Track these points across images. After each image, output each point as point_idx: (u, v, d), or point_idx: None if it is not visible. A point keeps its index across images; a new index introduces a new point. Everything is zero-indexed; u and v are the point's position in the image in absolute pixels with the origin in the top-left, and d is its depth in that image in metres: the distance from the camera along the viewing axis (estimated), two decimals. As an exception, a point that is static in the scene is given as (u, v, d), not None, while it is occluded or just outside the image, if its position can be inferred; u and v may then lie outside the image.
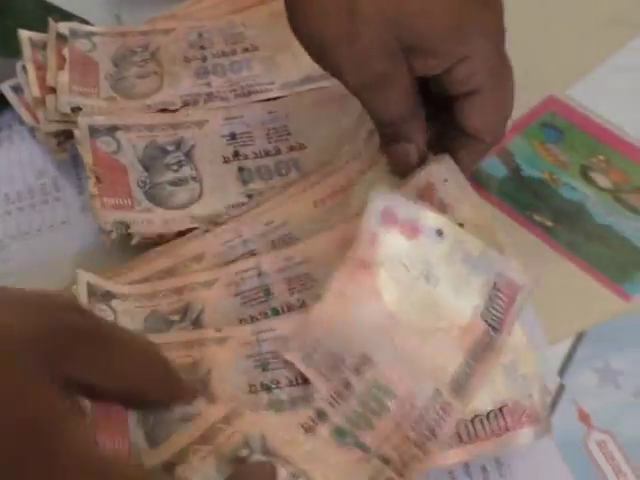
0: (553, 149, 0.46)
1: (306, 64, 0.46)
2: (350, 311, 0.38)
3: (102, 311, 0.39)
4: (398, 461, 0.35)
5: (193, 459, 0.34)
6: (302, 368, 0.37)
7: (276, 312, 0.40)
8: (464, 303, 0.38)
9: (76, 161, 0.48)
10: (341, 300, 0.38)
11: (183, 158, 0.47)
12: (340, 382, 0.37)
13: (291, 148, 0.47)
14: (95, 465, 0.27)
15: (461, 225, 0.40)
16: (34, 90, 0.48)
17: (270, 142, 0.48)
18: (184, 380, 0.34)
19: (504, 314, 0.38)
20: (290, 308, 0.40)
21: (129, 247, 0.43)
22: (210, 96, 0.50)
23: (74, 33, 0.51)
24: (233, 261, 0.42)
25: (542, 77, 0.48)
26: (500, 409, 0.37)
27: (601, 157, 0.46)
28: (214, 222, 0.44)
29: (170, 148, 0.47)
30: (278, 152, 0.47)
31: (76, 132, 0.46)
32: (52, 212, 0.47)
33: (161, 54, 0.52)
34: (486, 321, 0.38)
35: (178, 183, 0.46)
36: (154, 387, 0.32)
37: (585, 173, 0.46)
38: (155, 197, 0.45)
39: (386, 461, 0.35)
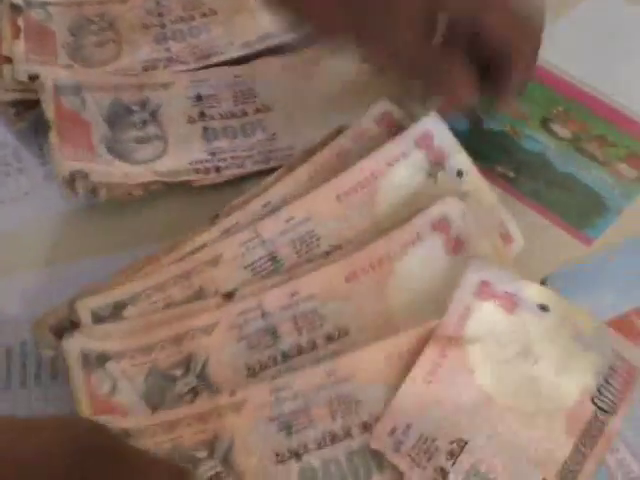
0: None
1: (264, 23, 0.47)
2: (442, 391, 0.36)
3: (100, 379, 0.37)
4: None
5: None
6: (392, 457, 0.35)
7: (285, 356, 0.38)
8: (569, 383, 0.36)
9: (37, 131, 0.48)
10: (432, 379, 0.36)
11: (148, 118, 0.47)
12: (435, 470, 0.34)
13: (257, 110, 0.48)
14: None
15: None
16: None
17: (237, 105, 0.48)
18: None
19: (619, 398, 0.36)
20: (300, 351, 0.38)
21: (97, 212, 0.43)
22: (170, 60, 0.50)
23: (28, 3, 0.51)
24: (254, 270, 0.40)
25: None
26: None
27: (560, 108, 0.47)
28: (175, 178, 0.44)
29: (135, 108, 0.47)
30: (244, 114, 0.48)
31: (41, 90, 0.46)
32: (15, 184, 0.46)
33: (119, 23, 0.52)
34: (595, 404, 0.36)
35: (142, 141, 0.46)
36: None
37: (545, 125, 0.47)
38: (117, 152, 0.45)
39: None
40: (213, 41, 0.51)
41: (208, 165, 0.45)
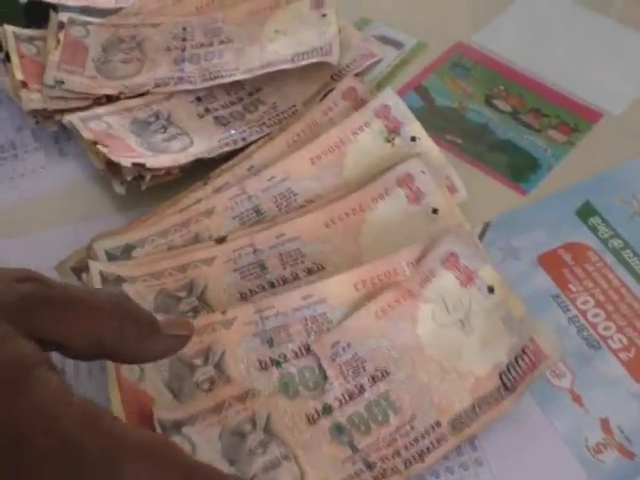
0: (461, 83, 0.54)
1: (270, 52, 0.54)
2: (386, 327, 0.41)
3: None
4: (380, 471, 0.38)
5: (201, 424, 0.37)
6: (326, 363, 0.40)
7: (272, 285, 0.44)
8: (487, 357, 0.41)
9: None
10: (380, 317, 0.41)
11: (165, 123, 0.54)
12: (356, 385, 0.40)
13: (250, 94, 0.55)
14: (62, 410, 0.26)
15: (435, 211, 0.45)
16: (17, 74, 0.54)
17: (231, 96, 0.55)
18: (163, 327, 0.33)
19: (522, 378, 0.40)
20: (284, 281, 0.44)
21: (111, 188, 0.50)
22: (180, 80, 0.56)
23: (72, 21, 0.58)
24: (241, 220, 0.47)
25: (451, 27, 0.57)
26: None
27: (501, 87, 0.54)
28: (212, 154, 0.50)
29: (151, 120, 0.54)
30: (241, 100, 0.55)
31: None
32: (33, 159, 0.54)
33: (146, 44, 0.58)
34: (502, 379, 0.40)
35: (169, 139, 0.52)
36: (123, 339, 0.31)
37: (488, 101, 0.53)
38: (152, 149, 0.51)
39: (369, 467, 0.38)
40: (222, 65, 0.57)
41: (235, 138, 0.52)
